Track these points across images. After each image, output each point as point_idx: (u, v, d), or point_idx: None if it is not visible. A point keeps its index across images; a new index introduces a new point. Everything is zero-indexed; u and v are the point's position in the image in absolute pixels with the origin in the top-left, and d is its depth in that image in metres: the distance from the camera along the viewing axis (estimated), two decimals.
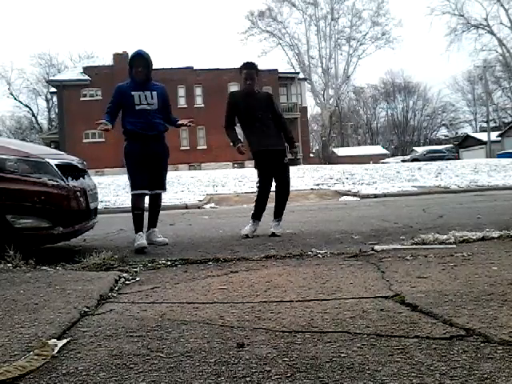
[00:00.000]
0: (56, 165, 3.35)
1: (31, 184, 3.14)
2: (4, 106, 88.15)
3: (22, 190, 3.11)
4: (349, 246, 3.40)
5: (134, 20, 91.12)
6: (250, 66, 4.36)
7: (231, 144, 4.42)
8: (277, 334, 1.48)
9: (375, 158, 43.18)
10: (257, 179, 4.46)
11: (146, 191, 3.89)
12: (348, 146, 62.29)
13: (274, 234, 4.26)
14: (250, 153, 4.47)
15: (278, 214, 4.46)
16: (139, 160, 3.82)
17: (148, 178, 3.87)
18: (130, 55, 4.00)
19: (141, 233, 3.78)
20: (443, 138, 61.60)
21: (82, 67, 30.76)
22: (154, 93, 3.88)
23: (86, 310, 1.84)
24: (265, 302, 1.88)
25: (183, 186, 14.44)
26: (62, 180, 3.31)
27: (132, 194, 3.89)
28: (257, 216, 4.41)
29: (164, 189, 4.08)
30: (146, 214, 4.06)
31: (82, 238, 4.32)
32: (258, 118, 4.33)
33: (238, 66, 4.42)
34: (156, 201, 4.09)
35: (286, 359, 1.26)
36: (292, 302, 1.86)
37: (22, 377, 1.20)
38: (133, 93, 3.82)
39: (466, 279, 2.09)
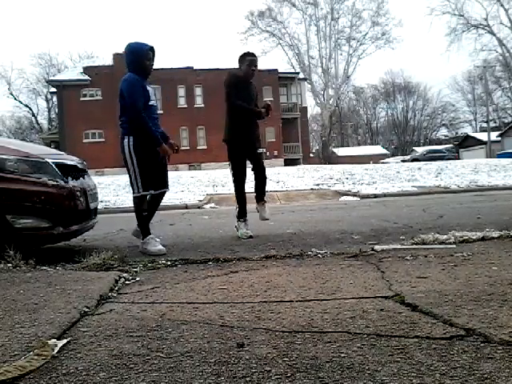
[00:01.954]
0: (56, 165, 3.35)
1: (31, 184, 3.14)
2: (4, 106, 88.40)
3: (22, 189, 3.11)
4: (349, 245, 3.40)
5: (134, 20, 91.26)
6: (254, 54, 4.44)
7: (251, 111, 4.31)
8: (277, 334, 1.48)
9: (375, 158, 43.21)
10: (230, 172, 4.48)
11: (153, 191, 3.69)
12: (348, 146, 62.34)
13: (264, 219, 4.33)
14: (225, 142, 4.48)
15: (261, 198, 4.45)
16: (150, 157, 3.60)
17: (155, 176, 3.67)
18: (135, 46, 3.58)
19: (153, 236, 3.63)
20: (443, 137, 61.68)
21: (82, 67, 30.72)
22: (153, 90, 3.84)
23: (86, 309, 1.84)
24: (265, 302, 1.88)
25: (183, 186, 14.44)
26: (62, 180, 3.31)
27: (140, 196, 3.61)
28: (243, 213, 4.38)
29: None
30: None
31: (81, 238, 4.32)
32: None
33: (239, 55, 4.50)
34: (158, 200, 3.88)
35: (286, 359, 1.26)
36: (292, 302, 1.86)
37: (21, 377, 1.20)
38: (148, 88, 3.62)
39: (466, 279, 2.09)
